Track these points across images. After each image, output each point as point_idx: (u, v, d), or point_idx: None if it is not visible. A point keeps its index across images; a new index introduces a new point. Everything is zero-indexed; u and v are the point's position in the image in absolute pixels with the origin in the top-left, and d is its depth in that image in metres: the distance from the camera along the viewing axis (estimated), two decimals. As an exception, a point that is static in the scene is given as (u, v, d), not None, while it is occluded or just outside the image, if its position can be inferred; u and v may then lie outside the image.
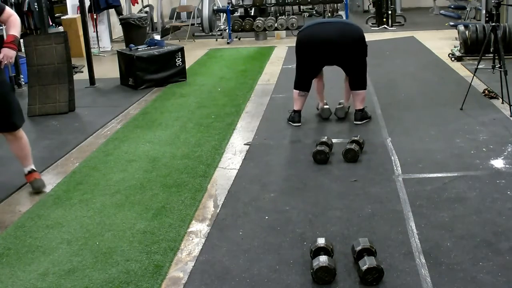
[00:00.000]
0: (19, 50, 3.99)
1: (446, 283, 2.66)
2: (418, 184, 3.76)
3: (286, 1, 11.29)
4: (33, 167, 4.08)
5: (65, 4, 10.51)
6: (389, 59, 8.19)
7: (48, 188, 4.04)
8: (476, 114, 5.13)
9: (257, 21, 11.05)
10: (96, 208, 3.71)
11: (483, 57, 5.52)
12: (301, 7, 14.18)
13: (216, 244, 3.17)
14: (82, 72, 8.30)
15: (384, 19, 11.54)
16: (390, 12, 11.51)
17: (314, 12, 14.17)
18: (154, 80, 7.29)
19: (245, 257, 3.00)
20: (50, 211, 3.72)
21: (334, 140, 4.50)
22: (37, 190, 3.98)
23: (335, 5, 12.10)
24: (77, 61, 8.56)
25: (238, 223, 3.41)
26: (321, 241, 2.88)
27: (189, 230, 3.36)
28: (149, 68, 7.26)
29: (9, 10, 3.81)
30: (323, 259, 2.70)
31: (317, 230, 3.23)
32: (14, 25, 3.80)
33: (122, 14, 11.05)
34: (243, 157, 4.50)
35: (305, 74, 5.22)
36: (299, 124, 5.18)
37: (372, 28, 11.51)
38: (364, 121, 5.20)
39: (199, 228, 3.38)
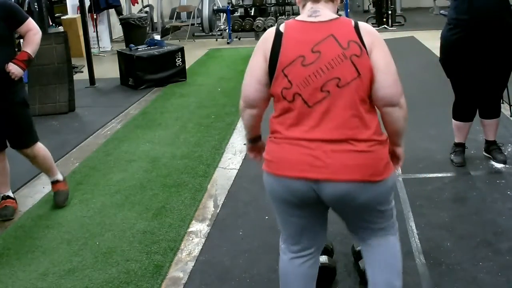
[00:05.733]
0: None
1: (446, 283, 2.66)
2: (418, 184, 3.75)
3: (286, 1, 11.28)
4: (57, 177, 3.83)
5: (65, 4, 10.51)
6: (389, 59, 8.18)
7: (48, 188, 4.03)
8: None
9: (257, 21, 11.04)
10: (96, 208, 3.71)
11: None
12: (301, 7, 14.16)
13: (216, 244, 3.17)
14: (82, 72, 8.30)
15: (384, 19, 11.53)
16: (390, 12, 11.51)
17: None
18: (154, 80, 7.29)
19: (245, 257, 3.00)
20: (50, 211, 3.72)
21: (334, 140, 4.48)
22: (57, 204, 3.77)
23: (335, 5, 12.09)
24: (77, 61, 8.56)
25: (238, 223, 3.40)
26: (321, 241, 2.87)
27: (189, 230, 3.36)
28: (149, 68, 7.26)
29: (29, 23, 3.49)
30: (323, 259, 2.70)
31: (317, 230, 3.22)
32: (32, 42, 3.50)
33: (122, 14, 11.05)
34: (243, 157, 4.50)
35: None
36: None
37: (372, 28, 11.50)
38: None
39: (199, 228, 3.38)
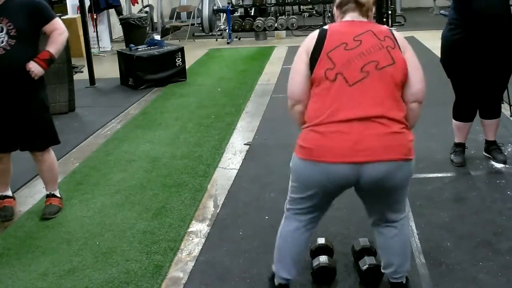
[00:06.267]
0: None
1: (446, 283, 2.66)
2: (418, 184, 3.75)
3: (286, 1, 11.28)
4: (53, 192, 3.72)
5: (65, 4, 10.51)
6: (389, 59, 8.18)
7: (48, 188, 4.02)
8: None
9: (257, 21, 11.05)
10: (96, 208, 3.71)
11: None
12: (301, 7, 14.17)
13: (216, 244, 3.17)
14: (82, 72, 8.30)
15: (384, 19, 11.51)
16: (390, 12, 11.50)
17: (314, 12, 14.17)
18: (154, 80, 7.29)
19: (245, 257, 3.00)
20: (50, 211, 3.71)
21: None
22: (44, 215, 3.60)
23: (335, 5, 12.08)
24: (77, 61, 8.56)
25: (238, 223, 3.40)
26: (321, 241, 2.88)
27: (189, 230, 3.36)
28: (149, 68, 7.26)
29: (56, 23, 3.39)
30: (323, 259, 2.70)
31: (317, 230, 3.21)
32: (56, 42, 3.38)
33: (122, 14, 11.05)
34: (243, 157, 4.50)
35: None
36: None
37: (372, 28, 11.50)
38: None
39: (199, 228, 3.38)
